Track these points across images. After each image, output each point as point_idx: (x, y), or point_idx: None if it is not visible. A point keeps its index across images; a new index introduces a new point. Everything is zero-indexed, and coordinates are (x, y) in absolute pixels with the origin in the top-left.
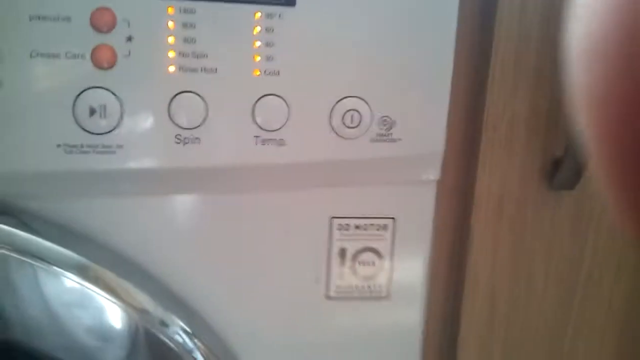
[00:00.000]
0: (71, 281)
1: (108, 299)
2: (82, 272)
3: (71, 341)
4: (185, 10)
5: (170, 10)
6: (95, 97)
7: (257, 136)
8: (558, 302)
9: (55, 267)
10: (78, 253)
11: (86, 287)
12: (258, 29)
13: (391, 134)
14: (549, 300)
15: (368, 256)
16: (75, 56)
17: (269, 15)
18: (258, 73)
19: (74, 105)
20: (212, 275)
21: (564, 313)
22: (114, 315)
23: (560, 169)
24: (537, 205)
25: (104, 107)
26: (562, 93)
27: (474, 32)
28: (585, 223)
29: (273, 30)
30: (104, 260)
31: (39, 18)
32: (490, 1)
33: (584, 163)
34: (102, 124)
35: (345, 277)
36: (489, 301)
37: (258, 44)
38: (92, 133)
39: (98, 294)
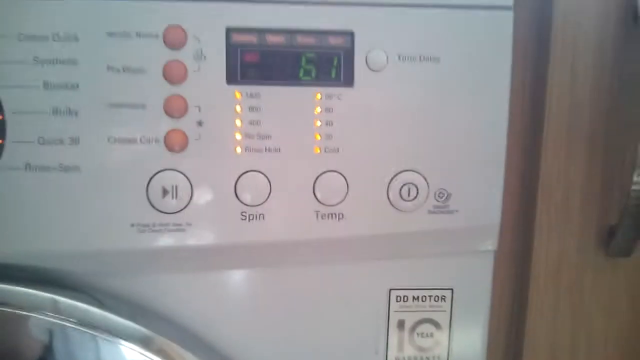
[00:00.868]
0: (136, 353)
1: None
2: (146, 344)
3: None
4: (251, 95)
5: (238, 95)
6: (168, 179)
7: (317, 211)
8: None
9: (121, 340)
10: (144, 326)
11: (150, 358)
12: (319, 109)
13: (448, 205)
14: None
15: (426, 327)
16: (149, 141)
17: (329, 96)
18: (318, 150)
19: (147, 186)
20: (274, 347)
21: None
22: None
23: (616, 236)
24: (595, 271)
25: (176, 188)
26: (616, 161)
27: (526, 103)
28: None
29: (332, 110)
30: (169, 333)
31: (116, 106)
32: (540, 71)
33: (639, 230)
34: (174, 203)
35: (404, 348)
36: None
37: (318, 123)
38: (164, 212)
39: None
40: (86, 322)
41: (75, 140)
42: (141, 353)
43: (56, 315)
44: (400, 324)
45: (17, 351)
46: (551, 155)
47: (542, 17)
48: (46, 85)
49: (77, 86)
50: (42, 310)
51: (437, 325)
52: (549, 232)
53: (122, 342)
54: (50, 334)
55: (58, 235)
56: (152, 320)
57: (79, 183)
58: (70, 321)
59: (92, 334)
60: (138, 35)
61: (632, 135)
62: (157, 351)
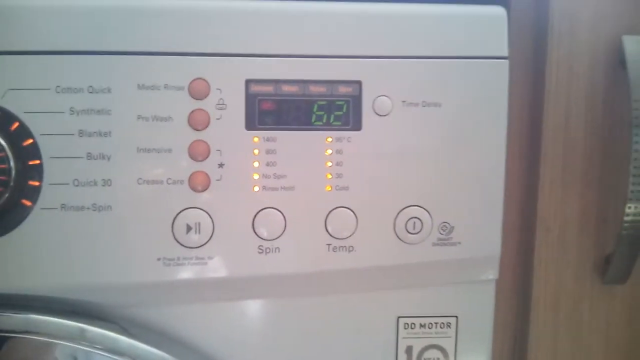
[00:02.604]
0: None
1: None
2: None
3: None
4: (268, 139)
5: (256, 140)
6: (191, 216)
7: (329, 244)
8: None
9: None
10: (168, 353)
11: None
12: (329, 151)
13: (451, 238)
14: None
15: (433, 353)
16: (175, 182)
17: (339, 139)
18: (330, 189)
19: (173, 223)
20: None
21: None
22: None
23: (611, 264)
24: (592, 299)
25: (199, 225)
26: (609, 194)
27: (524, 142)
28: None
29: (342, 151)
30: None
31: (145, 150)
32: (536, 113)
33: (633, 257)
34: (196, 239)
35: None
36: None
37: (329, 163)
38: (188, 247)
39: None
40: (113, 350)
41: (107, 182)
42: None
43: (84, 343)
44: (409, 350)
45: None
46: (548, 191)
47: (536, 63)
48: (81, 133)
49: (110, 134)
50: (71, 338)
51: (443, 350)
52: (547, 263)
53: None
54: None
55: (91, 269)
56: (175, 348)
57: (110, 221)
58: (98, 348)
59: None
60: (166, 87)
61: (623, 171)
62: None
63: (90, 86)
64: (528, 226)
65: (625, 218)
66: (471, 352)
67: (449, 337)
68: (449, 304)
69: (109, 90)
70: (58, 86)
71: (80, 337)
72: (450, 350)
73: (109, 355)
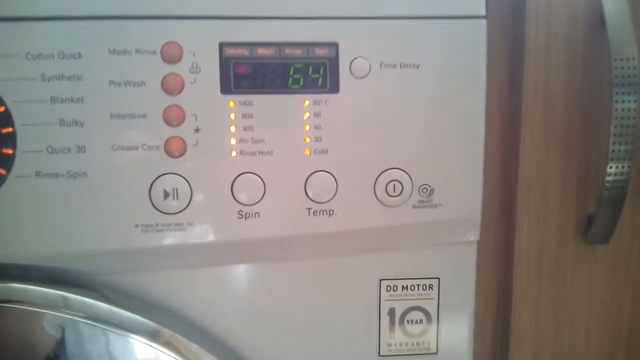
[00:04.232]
0: (143, 345)
1: None
2: (154, 336)
3: None
4: (244, 103)
5: (232, 104)
6: (169, 182)
7: (309, 208)
8: (601, 353)
9: (129, 333)
10: (151, 320)
11: (158, 350)
12: (307, 114)
13: (431, 200)
14: (593, 352)
15: (416, 315)
16: (150, 148)
17: (316, 102)
18: (308, 152)
19: (150, 189)
20: (271, 336)
21: None
22: None
23: (594, 223)
24: (575, 259)
25: (176, 190)
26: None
27: (503, 103)
28: (622, 273)
29: (320, 114)
30: (174, 325)
31: (119, 116)
32: (516, 73)
33: (615, 217)
34: (175, 205)
35: (396, 335)
36: (534, 355)
37: (307, 127)
38: (166, 213)
39: (169, 356)
40: (95, 317)
41: (81, 149)
42: (149, 345)
43: (66, 311)
44: (391, 312)
45: (31, 346)
46: (529, 152)
47: (515, 22)
48: (53, 99)
49: (82, 100)
50: (54, 307)
51: (425, 312)
52: (529, 224)
53: (131, 335)
54: (62, 329)
55: (68, 237)
56: (157, 314)
57: (86, 188)
58: (80, 316)
59: (102, 328)
60: (137, 51)
61: (603, 131)
62: (165, 343)
63: (61, 52)
64: (509, 187)
65: (607, 178)
66: (454, 313)
67: (432, 298)
68: (430, 265)
69: (80, 56)
70: (28, 53)
71: (63, 305)
72: (433, 312)
73: (92, 323)
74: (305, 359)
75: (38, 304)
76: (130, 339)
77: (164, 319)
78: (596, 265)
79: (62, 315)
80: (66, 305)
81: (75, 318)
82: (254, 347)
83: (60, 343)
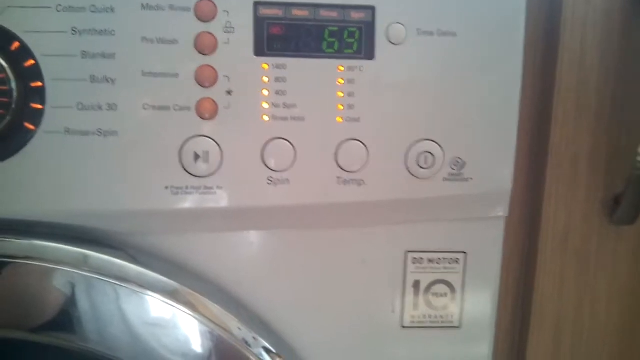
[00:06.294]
0: (161, 303)
1: (196, 319)
2: (174, 295)
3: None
4: (278, 66)
5: (265, 66)
6: (199, 145)
7: (339, 177)
8: (621, 332)
9: (148, 291)
10: (174, 280)
11: (177, 308)
12: (341, 80)
13: (462, 173)
14: (612, 330)
15: (441, 288)
16: (182, 108)
17: (351, 68)
18: (340, 120)
19: (180, 151)
20: (296, 303)
21: (628, 344)
22: (201, 335)
23: (621, 204)
24: (600, 238)
25: (207, 153)
26: (621, 132)
27: (537, 78)
28: None
29: (354, 81)
30: (196, 286)
31: (150, 75)
32: (552, 44)
33: None
34: (205, 168)
35: (419, 307)
36: (554, 332)
37: (341, 94)
38: (196, 176)
39: (187, 314)
40: (120, 277)
41: (112, 107)
42: (168, 303)
43: (86, 269)
44: (416, 284)
45: (45, 302)
46: (560, 127)
47: None
48: (84, 54)
49: (114, 56)
50: (73, 265)
51: (450, 286)
52: (557, 201)
53: (150, 293)
54: (77, 286)
55: (96, 196)
56: (182, 276)
57: (116, 147)
58: (103, 274)
59: (121, 286)
60: (171, 7)
61: (637, 109)
62: (184, 302)
63: (93, 5)
64: (539, 163)
65: (638, 158)
66: (478, 288)
67: (457, 272)
68: (457, 239)
69: (112, 10)
70: (59, 5)
71: (83, 263)
72: (457, 286)
73: (110, 280)
74: (328, 327)
75: (57, 261)
76: (150, 297)
77: (187, 281)
78: (620, 245)
79: (80, 272)
80: (86, 264)
81: (93, 275)
82: (276, 312)
83: (74, 301)
